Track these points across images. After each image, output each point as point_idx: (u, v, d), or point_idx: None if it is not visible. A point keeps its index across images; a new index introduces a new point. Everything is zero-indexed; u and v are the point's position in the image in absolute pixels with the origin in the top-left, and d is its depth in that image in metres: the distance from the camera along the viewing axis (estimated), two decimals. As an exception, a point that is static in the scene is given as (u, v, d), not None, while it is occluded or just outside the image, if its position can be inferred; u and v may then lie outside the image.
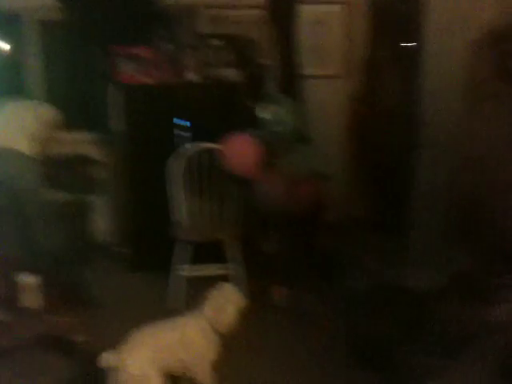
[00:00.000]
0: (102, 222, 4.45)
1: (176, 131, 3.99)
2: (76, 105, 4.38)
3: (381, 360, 2.75)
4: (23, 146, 3.37)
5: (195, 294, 3.50)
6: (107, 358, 2.25)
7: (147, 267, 4.06)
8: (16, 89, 4.19)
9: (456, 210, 4.35)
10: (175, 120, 3.96)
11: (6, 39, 4.35)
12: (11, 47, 4.37)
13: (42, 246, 3.40)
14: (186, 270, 3.56)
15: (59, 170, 3.91)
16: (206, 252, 3.60)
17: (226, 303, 2.49)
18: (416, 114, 3.81)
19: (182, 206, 3.69)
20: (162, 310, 3.50)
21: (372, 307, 3.16)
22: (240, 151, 3.45)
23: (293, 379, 2.76)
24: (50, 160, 3.68)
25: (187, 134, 3.97)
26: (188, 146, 3.78)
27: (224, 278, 3.61)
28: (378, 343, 2.86)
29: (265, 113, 3.23)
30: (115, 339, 2.46)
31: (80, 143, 4.32)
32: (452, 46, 3.88)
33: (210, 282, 3.57)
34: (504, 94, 3.82)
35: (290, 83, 4.21)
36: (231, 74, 4.03)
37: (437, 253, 4.09)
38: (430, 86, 3.82)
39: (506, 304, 2.98)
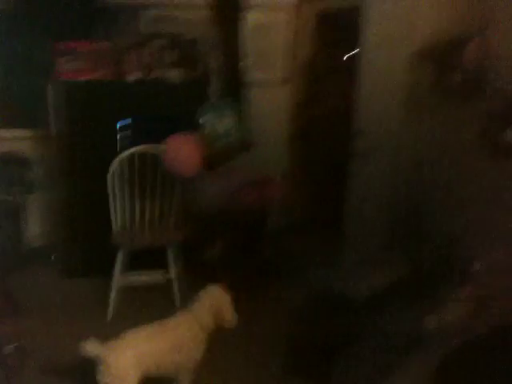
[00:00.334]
0: (36, 224, 4.24)
1: (117, 131, 3.84)
2: (13, 100, 4.13)
3: (320, 367, 2.74)
4: None
5: (133, 302, 3.52)
6: (91, 348, 2.32)
7: (83, 273, 3.92)
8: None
9: (393, 217, 4.45)
10: (116, 120, 3.81)
11: None
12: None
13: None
14: (125, 278, 3.46)
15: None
16: (146, 258, 3.50)
17: (215, 304, 2.56)
18: (353, 121, 3.86)
19: (120, 210, 3.56)
20: (96, 316, 3.42)
21: (311, 315, 3.16)
22: (181, 150, 3.35)
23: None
24: None
25: (128, 134, 3.85)
26: (126, 147, 3.64)
27: (164, 285, 3.57)
28: (318, 350, 2.86)
29: (207, 116, 3.15)
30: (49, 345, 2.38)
31: (16, 140, 4.10)
32: (391, 58, 3.96)
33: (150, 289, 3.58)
34: (442, 106, 3.94)
35: (234, 87, 4.18)
36: (174, 74, 3.93)
37: (374, 260, 4.17)
38: (366, 95, 3.88)
39: (443, 311, 3.06)
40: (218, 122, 3.15)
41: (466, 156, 3.73)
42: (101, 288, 3.67)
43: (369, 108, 3.95)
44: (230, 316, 2.56)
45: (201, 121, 3.17)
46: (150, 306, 3.56)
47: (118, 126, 3.84)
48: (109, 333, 3.20)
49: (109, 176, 3.47)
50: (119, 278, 3.41)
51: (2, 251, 3.59)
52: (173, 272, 3.48)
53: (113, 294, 3.40)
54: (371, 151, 3.83)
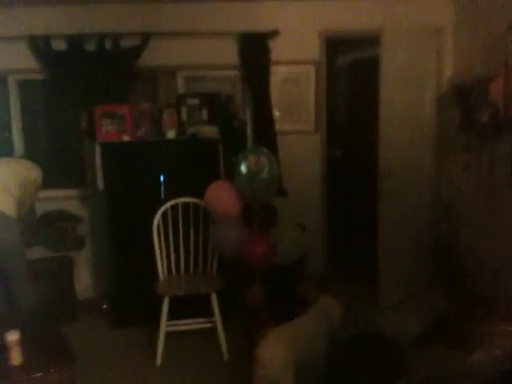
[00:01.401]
0: (86, 277, 4.47)
1: (153, 186, 4.07)
2: (57, 162, 4.45)
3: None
4: (10, 208, 3.45)
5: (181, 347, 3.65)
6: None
7: (131, 323, 4.08)
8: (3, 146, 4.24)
9: (430, 257, 4.51)
10: (155, 176, 4.05)
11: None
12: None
13: (22, 304, 3.47)
14: (169, 326, 3.58)
15: (42, 227, 3.96)
16: (188, 306, 3.65)
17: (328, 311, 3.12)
18: (380, 163, 3.98)
19: (164, 260, 3.75)
20: (146, 362, 3.56)
21: (351, 351, 3.22)
22: (222, 194, 3.55)
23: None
24: (32, 218, 3.77)
25: (164, 189, 4.06)
26: (166, 200, 3.87)
27: (207, 332, 3.71)
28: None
29: (244, 165, 3.35)
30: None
31: (61, 200, 4.37)
32: (415, 100, 4.12)
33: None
34: (472, 145, 4.04)
35: (265, 137, 4.40)
36: (208, 129, 4.18)
37: (412, 300, 4.21)
38: (391, 136, 4.02)
39: (482, 349, 3.08)
40: (254, 167, 3.33)
41: (500, 192, 3.82)
42: (149, 336, 3.84)
43: (394, 149, 4.09)
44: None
45: (238, 167, 3.37)
46: (197, 350, 3.72)
47: (154, 180, 4.07)
48: (159, 378, 3.39)
49: (153, 228, 3.68)
50: (166, 325, 3.55)
51: (57, 303, 3.78)
52: (217, 317, 3.60)
53: (161, 341, 3.53)
54: (399, 191, 3.96)
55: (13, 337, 2.61)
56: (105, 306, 4.33)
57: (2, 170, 3.61)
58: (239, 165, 3.39)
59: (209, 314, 3.66)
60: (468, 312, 3.55)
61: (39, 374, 2.63)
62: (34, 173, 3.76)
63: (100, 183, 3.99)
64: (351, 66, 4.47)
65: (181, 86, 4.54)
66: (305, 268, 4.24)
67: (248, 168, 3.36)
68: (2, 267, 3.49)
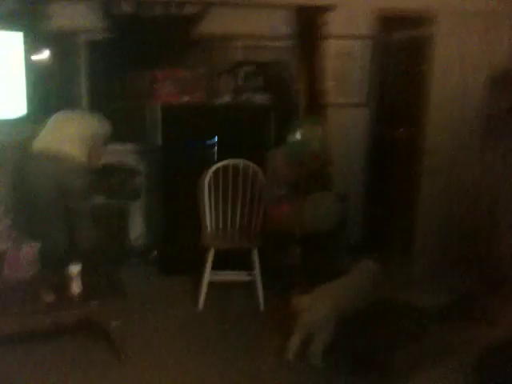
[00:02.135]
0: (138, 226, 4.84)
1: (206, 146, 4.34)
2: (119, 119, 4.77)
3: (374, 365, 3.03)
4: (78, 153, 3.83)
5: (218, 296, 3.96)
6: (300, 301, 3.09)
7: (174, 271, 4.42)
8: (71, 101, 4.59)
9: (459, 235, 4.60)
10: (206, 137, 4.32)
11: (63, 56, 4.79)
12: (67, 63, 4.81)
13: (82, 243, 3.87)
14: (211, 275, 3.88)
15: (102, 177, 4.31)
16: (229, 258, 3.95)
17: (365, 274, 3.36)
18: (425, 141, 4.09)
19: (208, 216, 4.04)
20: (186, 308, 3.90)
21: (374, 319, 3.42)
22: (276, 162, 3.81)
23: None
24: (96, 167, 4.15)
25: (215, 150, 4.34)
26: (215, 160, 4.15)
27: (244, 284, 4.01)
28: (374, 351, 3.15)
29: (294, 134, 3.57)
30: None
31: (121, 153, 4.71)
32: (465, 82, 4.18)
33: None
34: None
35: (316, 108, 4.57)
36: (259, 97, 4.40)
37: (439, 273, 4.34)
38: (437, 117, 4.11)
39: (505, 324, 3.22)
40: (303, 138, 3.55)
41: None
42: (193, 284, 4.16)
43: (442, 128, 4.18)
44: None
45: (290, 135, 3.59)
46: (236, 300, 4.03)
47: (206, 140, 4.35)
48: (199, 322, 3.69)
49: (204, 184, 3.97)
50: (209, 275, 3.86)
51: (111, 247, 4.16)
52: (257, 272, 3.87)
53: (203, 288, 3.85)
54: (441, 170, 4.07)
55: (75, 268, 2.98)
56: (154, 254, 4.67)
57: (79, 122, 4.00)
58: (291, 133, 3.62)
59: (248, 268, 3.93)
60: (495, 289, 3.67)
61: (95, 303, 3.00)
62: (104, 126, 4.12)
63: (159, 140, 4.30)
64: (405, 43, 4.55)
65: (238, 54, 4.74)
66: (341, 237, 4.45)
67: (298, 136, 3.59)
68: (71, 208, 3.90)
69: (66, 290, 2.98)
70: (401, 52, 4.60)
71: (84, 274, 3.04)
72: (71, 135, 3.88)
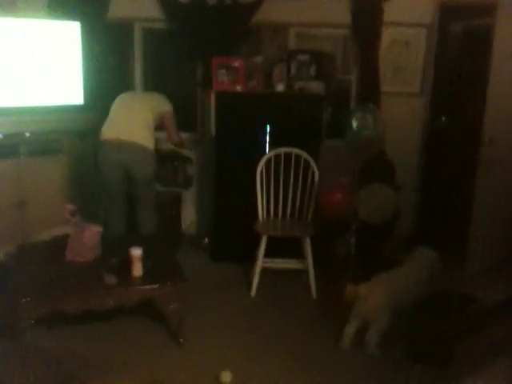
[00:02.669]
0: (189, 213, 4.91)
1: (259, 135, 4.35)
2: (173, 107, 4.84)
3: (435, 355, 3.01)
4: (147, 141, 3.95)
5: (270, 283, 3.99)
6: (358, 290, 3.10)
7: (225, 258, 4.47)
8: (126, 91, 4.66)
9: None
10: (262, 126, 4.33)
11: (119, 46, 4.89)
12: (123, 53, 4.91)
13: (145, 228, 3.96)
14: (264, 263, 3.90)
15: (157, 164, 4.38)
16: (283, 246, 3.96)
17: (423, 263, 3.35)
18: (483, 130, 4.00)
19: (261, 204, 4.06)
20: (238, 294, 3.95)
21: (436, 309, 3.39)
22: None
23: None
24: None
25: (269, 138, 4.34)
26: (269, 149, 4.17)
27: (296, 272, 4.03)
28: (435, 342, 3.12)
29: (349, 122, 3.57)
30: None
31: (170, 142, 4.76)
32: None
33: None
34: None
35: (370, 97, 4.53)
36: (315, 85, 4.39)
37: (500, 267, 4.26)
38: (497, 106, 4.00)
39: None
40: (359, 124, 3.55)
41: None
42: (244, 271, 4.22)
43: (500, 118, 4.08)
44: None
45: (345, 124, 3.59)
46: (288, 288, 4.06)
47: (260, 129, 4.36)
48: (251, 308, 3.73)
49: (257, 172, 3.99)
50: (262, 262, 3.89)
51: (164, 233, 4.24)
52: (309, 260, 3.88)
53: (257, 274, 3.88)
54: (499, 160, 3.97)
55: (136, 252, 3.05)
56: (205, 241, 4.73)
57: (141, 107, 4.06)
58: (347, 120, 3.61)
59: (300, 256, 3.96)
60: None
61: (156, 286, 3.07)
62: (165, 103, 4.19)
63: (212, 128, 4.34)
64: (463, 33, 4.46)
65: (292, 43, 4.74)
66: (394, 227, 4.42)
67: (354, 124, 3.58)
68: (136, 194, 4.04)
69: (128, 273, 3.05)
70: (459, 41, 4.52)
71: (145, 257, 3.10)
72: (139, 122, 3.97)
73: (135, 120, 3.97)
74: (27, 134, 4.18)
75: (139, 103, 4.11)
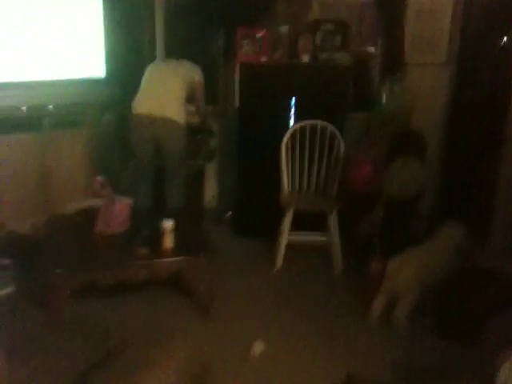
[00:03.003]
0: (212, 187, 4.89)
1: (284, 107, 4.29)
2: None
3: (464, 332, 3.00)
4: (178, 115, 3.91)
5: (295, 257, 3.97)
6: (386, 265, 3.11)
7: (250, 232, 4.45)
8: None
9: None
10: (287, 98, 4.27)
11: (140, 18, 4.81)
12: (144, 25, 4.83)
13: (174, 201, 3.95)
14: (289, 236, 3.88)
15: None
16: (307, 220, 3.92)
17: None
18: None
19: (286, 177, 4.02)
20: (262, 268, 3.94)
21: (461, 287, 3.37)
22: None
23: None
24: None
25: (294, 110, 4.29)
26: (294, 122, 4.11)
27: (321, 246, 4.01)
28: (463, 318, 3.10)
29: (385, 86, 3.52)
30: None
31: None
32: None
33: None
34: None
35: (395, 68, 4.45)
36: (340, 56, 4.31)
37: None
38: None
39: None
40: (390, 90, 3.50)
41: None
42: (268, 245, 4.18)
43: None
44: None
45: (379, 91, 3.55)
46: (312, 261, 4.06)
47: (284, 101, 4.29)
48: (276, 281, 3.71)
49: (282, 145, 3.95)
50: (287, 236, 3.87)
51: (187, 207, 4.22)
52: (334, 234, 3.86)
53: (281, 249, 3.87)
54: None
55: (168, 224, 3.04)
56: (228, 215, 4.72)
57: (173, 79, 3.98)
58: (374, 92, 3.56)
59: (324, 230, 3.92)
60: None
61: (188, 257, 3.07)
62: (197, 73, 4.11)
63: (236, 101, 4.29)
64: (492, 4, 4.35)
65: (317, 12, 4.64)
66: (419, 203, 4.38)
67: (383, 96, 3.53)
68: (166, 168, 4.03)
69: (160, 245, 3.04)
70: (485, 10, 4.40)
71: (176, 230, 3.09)
72: (171, 95, 3.91)
73: (167, 93, 3.91)
74: (50, 107, 4.15)
75: (171, 74, 4.02)
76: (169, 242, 3.04)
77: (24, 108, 4.01)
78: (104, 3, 4.28)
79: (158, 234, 3.05)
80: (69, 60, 4.21)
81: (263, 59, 4.24)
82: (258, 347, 2.81)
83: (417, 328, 3.11)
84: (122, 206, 3.20)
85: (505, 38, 4.18)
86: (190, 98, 4.09)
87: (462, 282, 3.32)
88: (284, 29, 4.34)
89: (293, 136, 4.00)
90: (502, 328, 2.86)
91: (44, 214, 3.86)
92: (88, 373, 2.06)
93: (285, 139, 3.97)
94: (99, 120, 4.38)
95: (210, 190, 4.93)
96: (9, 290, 3.10)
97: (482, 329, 2.88)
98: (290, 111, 4.28)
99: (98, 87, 4.41)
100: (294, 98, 4.25)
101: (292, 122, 4.22)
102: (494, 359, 2.21)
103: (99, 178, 3.18)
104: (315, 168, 4.04)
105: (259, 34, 4.23)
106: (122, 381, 1.99)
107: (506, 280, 3.37)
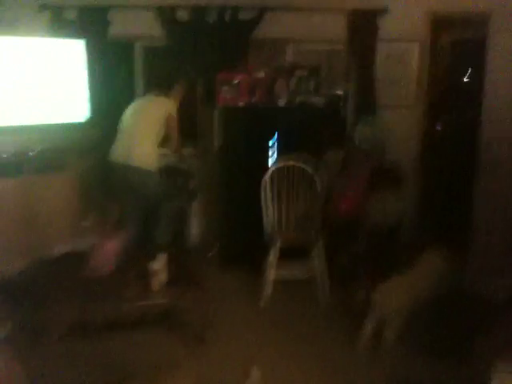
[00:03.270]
0: (197, 225, 4.94)
1: (263, 148, 4.46)
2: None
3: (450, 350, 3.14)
4: (149, 159, 4.01)
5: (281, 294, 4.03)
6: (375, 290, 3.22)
7: (236, 267, 4.50)
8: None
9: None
10: (266, 139, 4.44)
11: (122, 63, 4.96)
12: (126, 69, 4.98)
13: (159, 238, 4.01)
14: (274, 273, 3.93)
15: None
16: (293, 255, 4.00)
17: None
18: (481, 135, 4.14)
19: (268, 215, 4.11)
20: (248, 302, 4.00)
21: (444, 309, 3.50)
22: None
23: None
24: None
25: (273, 150, 4.46)
26: (274, 161, 4.26)
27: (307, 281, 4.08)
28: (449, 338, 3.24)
29: (358, 127, 3.71)
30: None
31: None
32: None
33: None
34: None
35: (367, 110, 4.68)
36: (315, 99, 4.53)
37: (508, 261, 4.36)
38: (490, 114, 4.16)
39: None
40: (364, 132, 3.69)
41: None
42: (253, 280, 4.20)
43: (495, 123, 4.21)
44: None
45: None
46: (295, 297, 4.12)
47: (264, 142, 4.47)
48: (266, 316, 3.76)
49: (261, 186, 4.06)
50: (274, 271, 3.92)
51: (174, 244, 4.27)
52: (317, 269, 3.96)
53: (269, 284, 3.92)
54: (499, 164, 4.12)
55: (156, 263, 3.09)
56: (215, 251, 4.79)
57: (145, 117, 4.09)
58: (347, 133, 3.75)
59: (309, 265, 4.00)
60: None
61: (180, 292, 3.11)
62: (170, 107, 4.17)
63: (216, 142, 4.42)
64: (456, 45, 4.65)
65: (291, 58, 4.88)
66: (398, 233, 4.53)
67: (356, 136, 3.72)
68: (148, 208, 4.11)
69: (149, 284, 3.09)
70: (453, 54, 4.71)
71: (164, 268, 3.15)
72: (144, 137, 4.02)
73: (141, 135, 4.02)
74: (31, 153, 4.21)
75: (144, 112, 4.14)
76: (157, 282, 3.09)
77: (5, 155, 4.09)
78: (87, 51, 4.43)
79: (147, 274, 3.09)
80: (51, 105, 4.32)
81: (241, 103, 4.40)
82: (255, 375, 2.83)
83: (406, 348, 3.24)
84: (113, 245, 3.25)
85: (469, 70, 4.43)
86: (166, 136, 4.18)
87: (447, 305, 3.47)
88: (261, 74, 4.53)
89: (271, 177, 4.11)
90: (489, 345, 2.99)
91: (29, 258, 3.85)
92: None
93: (263, 181, 4.06)
94: (81, 164, 4.44)
95: (197, 227, 4.98)
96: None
97: (470, 347, 3.02)
98: (268, 152, 4.44)
99: (80, 132, 4.50)
100: (272, 139, 4.42)
101: (271, 161, 4.37)
102: (483, 375, 2.31)
103: (92, 216, 3.23)
104: (295, 206, 4.16)
105: (238, 80, 4.41)
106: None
107: (488, 300, 3.54)
